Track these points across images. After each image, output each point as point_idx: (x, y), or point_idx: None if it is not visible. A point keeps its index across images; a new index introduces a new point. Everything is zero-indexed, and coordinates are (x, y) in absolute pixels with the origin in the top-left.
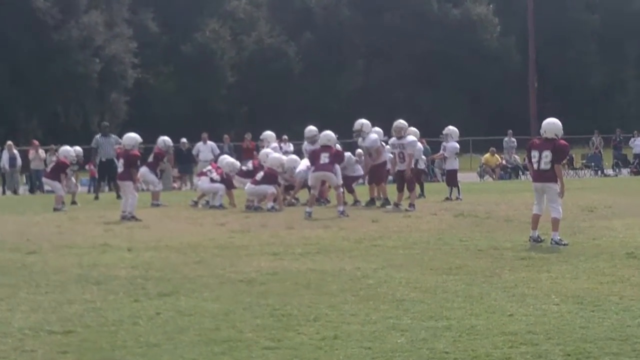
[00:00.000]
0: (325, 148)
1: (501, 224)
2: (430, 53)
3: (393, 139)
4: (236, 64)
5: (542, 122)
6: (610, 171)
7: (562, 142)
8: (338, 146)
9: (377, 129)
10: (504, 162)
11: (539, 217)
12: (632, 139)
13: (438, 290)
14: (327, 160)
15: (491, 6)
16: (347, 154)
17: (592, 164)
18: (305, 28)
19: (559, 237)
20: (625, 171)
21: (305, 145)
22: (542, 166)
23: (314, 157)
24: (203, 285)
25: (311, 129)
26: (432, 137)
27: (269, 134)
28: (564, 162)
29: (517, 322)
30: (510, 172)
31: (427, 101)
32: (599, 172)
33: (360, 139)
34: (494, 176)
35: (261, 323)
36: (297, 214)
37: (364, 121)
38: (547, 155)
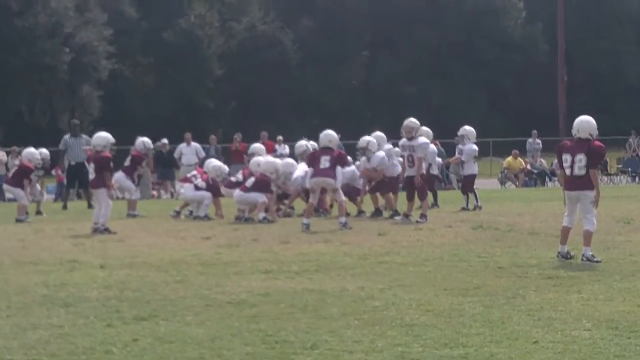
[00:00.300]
0: (326, 150)
1: (525, 238)
2: (444, 43)
3: (403, 140)
4: (225, 54)
5: (572, 120)
6: None
7: (598, 143)
8: (340, 145)
9: (424, 129)
10: (528, 166)
11: (569, 230)
12: None
13: (453, 314)
14: (327, 165)
15: None
16: (352, 167)
17: (629, 169)
18: (303, 14)
19: (590, 253)
20: None
21: None
22: (576, 172)
23: (312, 161)
24: (186, 307)
25: (301, 144)
26: (446, 138)
27: (258, 147)
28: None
29: (543, 351)
30: (535, 178)
31: (440, 97)
32: (637, 179)
33: (364, 159)
34: (517, 183)
35: (252, 351)
36: (293, 226)
37: (369, 139)
38: (581, 159)
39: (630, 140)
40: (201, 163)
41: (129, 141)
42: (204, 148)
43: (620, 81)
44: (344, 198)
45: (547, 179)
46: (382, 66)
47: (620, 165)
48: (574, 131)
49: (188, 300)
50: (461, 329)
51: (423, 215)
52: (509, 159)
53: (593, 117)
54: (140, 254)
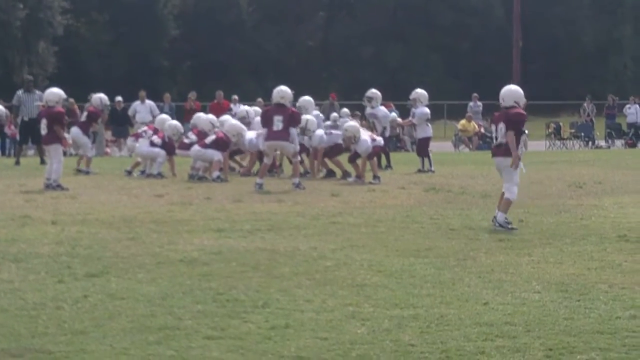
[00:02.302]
0: (279, 109)
1: (477, 201)
2: (401, 5)
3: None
4: (181, 14)
5: (526, 85)
6: (602, 142)
7: (517, 110)
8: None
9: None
10: (482, 130)
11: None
12: (627, 106)
13: (404, 275)
14: (280, 126)
15: None
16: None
17: (582, 134)
18: None
19: (505, 219)
20: (619, 142)
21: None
22: (500, 139)
23: (266, 121)
24: (137, 265)
25: (241, 110)
26: (402, 100)
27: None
28: (551, 131)
29: (493, 312)
30: (489, 141)
31: (396, 59)
32: (590, 144)
33: (306, 138)
34: (471, 146)
35: (202, 309)
36: (246, 186)
37: (308, 117)
38: (501, 128)
39: (585, 105)
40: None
41: (84, 98)
42: (158, 106)
43: (576, 47)
44: (298, 159)
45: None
46: (339, 27)
47: (573, 130)
48: (500, 100)
49: (140, 258)
50: (412, 290)
51: (376, 177)
52: (463, 122)
53: (548, 82)
54: (93, 210)
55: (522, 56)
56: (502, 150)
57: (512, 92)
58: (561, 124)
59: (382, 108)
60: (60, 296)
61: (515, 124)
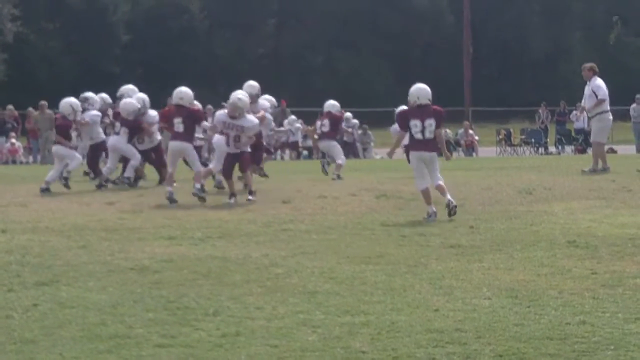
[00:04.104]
0: (179, 109)
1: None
2: (350, 12)
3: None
4: (131, 21)
5: (477, 91)
6: (552, 149)
7: (438, 107)
8: (197, 104)
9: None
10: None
11: (429, 190)
12: (574, 112)
13: (355, 282)
14: (181, 128)
15: None
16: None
17: (532, 140)
18: None
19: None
20: (569, 149)
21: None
22: (427, 135)
23: (167, 122)
24: (88, 273)
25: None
26: (354, 107)
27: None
28: (502, 137)
29: (443, 319)
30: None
31: (347, 66)
32: (540, 150)
33: None
34: None
35: (153, 317)
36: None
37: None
38: (431, 123)
39: (540, 111)
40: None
41: (33, 105)
42: None
43: (527, 53)
44: (201, 169)
45: (452, 149)
46: (289, 35)
47: (523, 136)
48: (413, 99)
49: (90, 266)
50: (363, 297)
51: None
52: None
53: (499, 87)
54: (43, 219)
55: (472, 62)
56: (433, 145)
57: (426, 90)
58: (512, 130)
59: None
60: (9, 305)
61: (443, 119)
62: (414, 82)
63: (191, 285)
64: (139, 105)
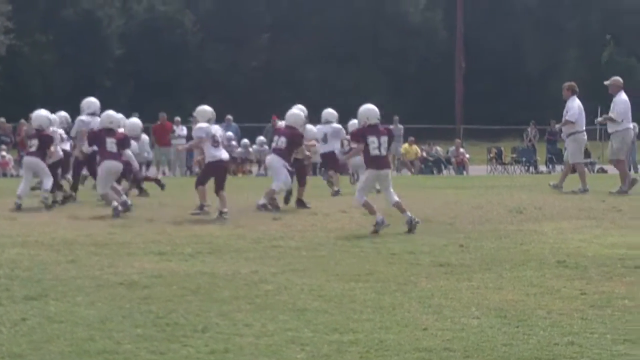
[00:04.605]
0: (109, 132)
1: (418, 225)
2: (345, 27)
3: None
4: (124, 34)
5: (469, 108)
6: (543, 168)
7: (385, 127)
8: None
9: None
10: (424, 154)
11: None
12: None
13: (345, 300)
14: (114, 148)
15: None
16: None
17: (524, 159)
18: None
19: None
20: (559, 168)
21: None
22: (384, 152)
23: (97, 141)
24: (77, 288)
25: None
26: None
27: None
28: (492, 156)
29: (432, 337)
30: (431, 165)
31: (342, 82)
32: (531, 169)
33: None
34: (413, 169)
35: (142, 333)
36: (187, 209)
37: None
38: (385, 140)
39: (529, 129)
40: None
41: (26, 117)
42: None
43: (520, 71)
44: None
45: (442, 167)
46: (283, 49)
47: (514, 155)
48: (363, 119)
49: (79, 281)
50: (352, 315)
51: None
52: (405, 145)
53: (491, 105)
54: (33, 232)
55: (465, 78)
56: (388, 163)
57: (375, 110)
58: (502, 148)
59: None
60: None
61: (392, 140)
62: (409, 98)
63: (180, 301)
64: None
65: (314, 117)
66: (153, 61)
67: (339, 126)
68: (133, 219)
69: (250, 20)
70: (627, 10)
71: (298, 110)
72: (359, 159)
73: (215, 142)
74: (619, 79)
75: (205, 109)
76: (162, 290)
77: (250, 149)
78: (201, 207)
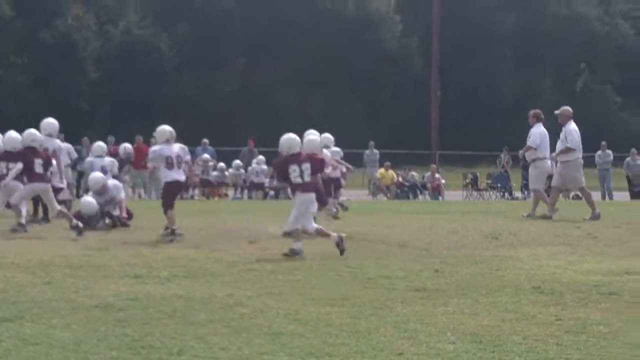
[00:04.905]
0: (34, 152)
1: (394, 250)
2: (321, 52)
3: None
4: (100, 57)
5: (445, 135)
6: (518, 194)
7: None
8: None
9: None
10: (400, 179)
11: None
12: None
13: (320, 324)
14: (41, 170)
15: (392, 2)
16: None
17: (499, 184)
18: (180, 18)
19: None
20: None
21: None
22: (307, 178)
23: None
24: (52, 310)
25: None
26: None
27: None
28: (468, 181)
29: None
30: (407, 190)
31: (316, 107)
32: (506, 195)
33: None
34: (389, 194)
35: (117, 355)
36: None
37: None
38: (307, 167)
39: (502, 156)
40: (74, 164)
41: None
42: (76, 149)
43: (495, 98)
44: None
45: (418, 192)
46: (259, 73)
47: (489, 181)
48: (285, 149)
49: (54, 303)
50: (327, 339)
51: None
52: (381, 170)
53: (466, 132)
54: (8, 254)
55: (441, 105)
56: (312, 188)
57: (297, 140)
58: (478, 174)
59: None
60: None
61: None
62: (384, 124)
63: (156, 324)
64: None
65: None
66: (129, 84)
67: (338, 149)
68: (108, 241)
69: (226, 44)
70: (601, 38)
71: (314, 136)
72: None
73: (169, 164)
74: (568, 108)
75: (164, 128)
76: (138, 313)
77: (227, 173)
78: (172, 230)
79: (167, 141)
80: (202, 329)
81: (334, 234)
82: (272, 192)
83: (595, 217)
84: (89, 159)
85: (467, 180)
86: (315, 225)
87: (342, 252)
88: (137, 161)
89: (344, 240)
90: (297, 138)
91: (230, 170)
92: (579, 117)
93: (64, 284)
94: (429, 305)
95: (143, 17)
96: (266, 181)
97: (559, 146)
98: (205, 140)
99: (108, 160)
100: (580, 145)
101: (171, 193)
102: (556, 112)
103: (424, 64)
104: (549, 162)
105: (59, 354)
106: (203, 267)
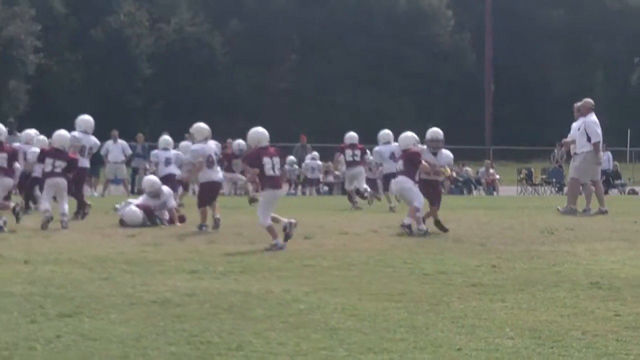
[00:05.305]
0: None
1: (450, 245)
2: (373, 49)
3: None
4: (153, 54)
5: (498, 130)
6: None
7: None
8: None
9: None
10: (454, 174)
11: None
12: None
13: (378, 319)
14: (4, 164)
15: None
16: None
17: (554, 179)
18: (232, 16)
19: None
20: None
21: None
22: (277, 172)
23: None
24: (110, 305)
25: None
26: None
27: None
28: (522, 177)
29: (466, 358)
30: (461, 186)
31: (368, 104)
32: (561, 190)
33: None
34: (443, 190)
35: (176, 351)
36: (220, 227)
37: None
38: (278, 160)
39: (555, 151)
40: (128, 160)
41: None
42: (130, 146)
43: (547, 92)
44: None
45: (472, 187)
46: (311, 70)
47: (544, 176)
48: (254, 142)
49: (113, 298)
50: (385, 334)
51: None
52: None
53: (519, 126)
54: (65, 250)
55: (493, 101)
56: (281, 183)
57: (266, 134)
58: (533, 169)
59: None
60: (32, 336)
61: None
62: (436, 120)
63: (214, 320)
64: None
65: (338, 138)
66: (182, 81)
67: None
68: (164, 237)
69: (278, 42)
70: None
71: (409, 133)
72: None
73: (209, 163)
74: (590, 100)
75: (202, 126)
76: (196, 308)
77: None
78: (201, 226)
79: (206, 139)
80: (260, 324)
81: (284, 219)
82: (326, 188)
83: (586, 212)
84: (155, 151)
85: (522, 176)
86: (270, 221)
87: (287, 237)
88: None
89: (293, 225)
90: (266, 132)
91: (285, 166)
92: (633, 111)
93: (122, 280)
94: (486, 300)
95: (195, 14)
96: (320, 177)
97: (578, 138)
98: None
99: (173, 152)
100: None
101: (210, 193)
102: (577, 104)
103: (477, 59)
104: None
105: (118, 349)
106: (259, 263)
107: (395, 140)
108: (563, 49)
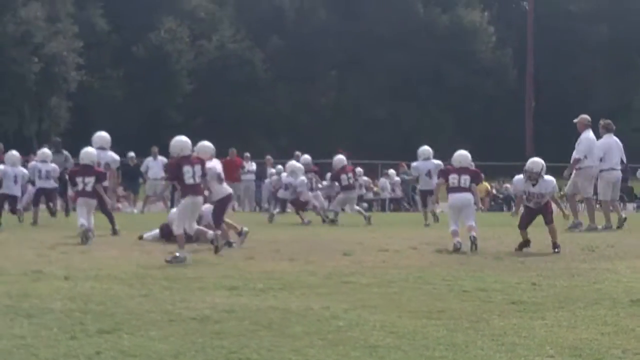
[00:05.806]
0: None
1: (490, 262)
2: (413, 65)
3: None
4: (194, 70)
5: (539, 146)
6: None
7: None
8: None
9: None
10: (494, 191)
11: None
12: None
13: (417, 336)
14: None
15: (486, 13)
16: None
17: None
18: (273, 33)
19: None
20: (630, 206)
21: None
22: (197, 180)
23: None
24: (150, 322)
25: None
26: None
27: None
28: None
29: None
30: (501, 202)
31: (408, 120)
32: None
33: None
34: (482, 207)
35: None
36: (257, 243)
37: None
38: (198, 169)
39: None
40: None
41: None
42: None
43: (588, 108)
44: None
45: (512, 204)
46: (352, 86)
47: None
48: (177, 151)
49: (152, 315)
50: (424, 352)
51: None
52: None
53: (560, 143)
54: (105, 266)
55: (534, 117)
56: (202, 190)
57: (188, 143)
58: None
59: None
60: (72, 352)
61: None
62: (476, 136)
63: (252, 337)
64: None
65: (381, 153)
66: (222, 97)
67: (439, 162)
68: (203, 253)
69: (319, 58)
70: None
71: (464, 151)
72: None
73: (220, 180)
74: (586, 117)
75: (206, 145)
76: (234, 325)
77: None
78: (228, 243)
79: (211, 157)
80: (299, 341)
81: (210, 232)
82: (365, 204)
83: (591, 228)
84: None
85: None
86: (195, 226)
87: (216, 249)
88: (231, 173)
89: (219, 238)
90: (189, 141)
91: (324, 182)
92: None
93: (161, 296)
94: (527, 318)
95: (236, 31)
96: (362, 192)
97: (574, 154)
98: (297, 153)
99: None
100: (595, 155)
101: (224, 208)
102: (575, 120)
103: (518, 75)
104: (614, 172)
105: None
106: (298, 280)
107: (435, 156)
108: (605, 64)
